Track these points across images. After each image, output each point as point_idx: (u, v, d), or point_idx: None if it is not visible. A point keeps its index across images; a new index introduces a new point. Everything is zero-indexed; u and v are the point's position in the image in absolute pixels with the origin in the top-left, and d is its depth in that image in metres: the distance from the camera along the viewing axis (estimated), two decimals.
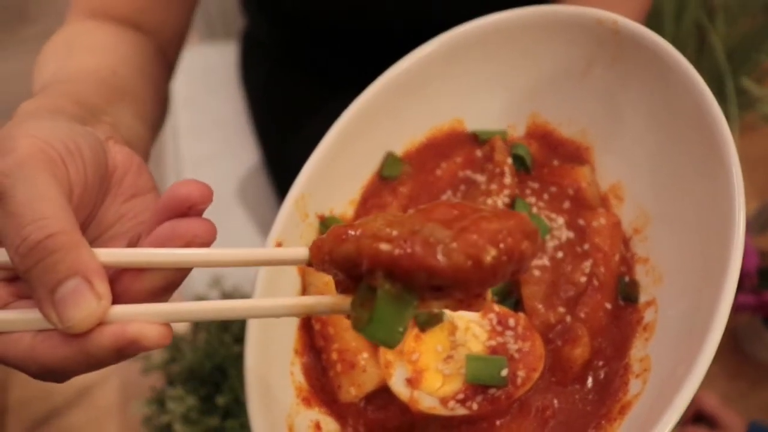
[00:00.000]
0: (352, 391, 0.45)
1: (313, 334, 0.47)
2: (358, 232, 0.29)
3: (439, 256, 0.28)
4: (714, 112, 0.39)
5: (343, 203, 0.49)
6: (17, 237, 0.29)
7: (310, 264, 0.32)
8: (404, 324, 0.29)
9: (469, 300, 0.31)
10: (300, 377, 0.46)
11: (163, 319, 0.31)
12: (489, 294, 0.31)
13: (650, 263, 0.46)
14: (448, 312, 0.44)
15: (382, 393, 0.46)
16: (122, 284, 0.32)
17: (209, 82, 1.10)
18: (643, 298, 0.45)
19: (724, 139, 0.39)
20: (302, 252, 0.32)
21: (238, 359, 0.72)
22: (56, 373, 0.31)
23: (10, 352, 0.31)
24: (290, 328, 0.47)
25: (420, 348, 0.44)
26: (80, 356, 0.30)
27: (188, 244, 0.32)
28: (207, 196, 0.33)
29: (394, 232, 0.29)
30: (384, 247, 0.28)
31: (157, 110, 0.58)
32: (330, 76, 0.86)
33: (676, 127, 0.43)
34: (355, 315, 0.30)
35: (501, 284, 0.45)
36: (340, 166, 0.48)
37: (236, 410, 0.70)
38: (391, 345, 0.29)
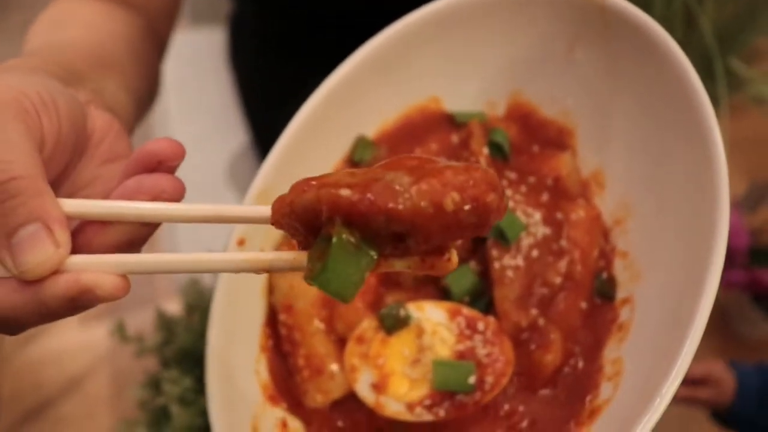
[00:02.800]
0: (318, 398, 0.44)
1: (278, 333, 0.45)
2: (318, 183, 0.28)
3: (399, 199, 0.26)
4: (699, 93, 0.37)
5: None
6: None
7: (273, 223, 0.31)
8: (359, 276, 0.28)
9: (432, 258, 0.29)
10: (265, 375, 0.45)
11: (120, 270, 0.30)
12: (454, 255, 0.29)
13: (629, 258, 0.44)
14: (414, 315, 0.43)
15: (349, 399, 0.44)
16: (85, 236, 0.32)
17: (198, 67, 1.11)
18: (620, 295, 0.44)
19: (708, 120, 0.37)
20: (266, 210, 0.31)
21: None
22: (8, 323, 0.30)
23: None
24: (255, 324, 0.46)
25: (386, 352, 0.43)
26: (33, 305, 0.29)
27: (155, 199, 0.32)
28: (178, 153, 0.33)
29: (355, 181, 0.27)
30: (343, 192, 0.27)
31: (145, 86, 0.57)
32: (316, 56, 0.85)
33: (661, 109, 0.41)
34: (309, 266, 0.28)
35: (471, 284, 0.44)
36: (309, 151, 0.46)
37: None
38: (343, 297, 0.27)
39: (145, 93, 0.60)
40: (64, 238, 0.29)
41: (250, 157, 1.02)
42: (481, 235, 0.30)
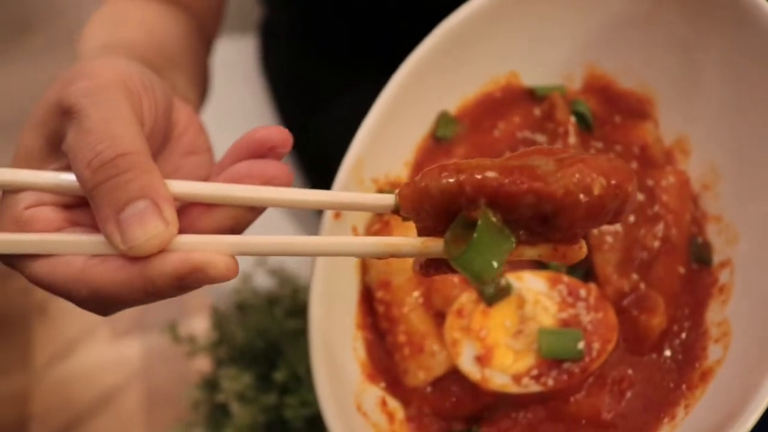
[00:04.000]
0: (420, 375, 0.43)
1: (374, 311, 0.45)
2: (456, 168, 0.28)
3: (549, 179, 0.27)
4: None
5: (397, 166, 0.47)
6: (91, 152, 0.28)
7: (395, 211, 0.30)
8: (500, 259, 0.28)
9: (564, 246, 0.29)
10: (362, 353, 0.44)
11: (231, 251, 0.29)
12: (584, 244, 0.30)
13: (723, 221, 0.44)
14: (515, 284, 0.42)
15: (449, 377, 0.44)
16: (189, 218, 0.32)
17: (229, 75, 1.10)
18: (716, 260, 0.43)
19: None
20: (388, 198, 0.31)
21: (292, 335, 0.71)
22: (107, 300, 0.29)
23: (59, 274, 0.29)
24: (351, 302, 0.45)
25: (488, 324, 0.42)
26: (138, 281, 0.28)
27: (265, 184, 0.32)
28: (287, 140, 0.33)
29: (496, 165, 0.28)
30: (490, 174, 0.27)
31: (203, 83, 0.58)
32: (352, 58, 0.85)
33: (755, 80, 0.41)
34: (446, 249, 0.28)
35: None
36: (394, 127, 0.45)
37: (294, 386, 0.69)
38: (483, 278, 0.27)
39: (203, 90, 0.60)
40: (172, 216, 0.29)
41: (286, 160, 1.02)
42: (615, 223, 0.30)
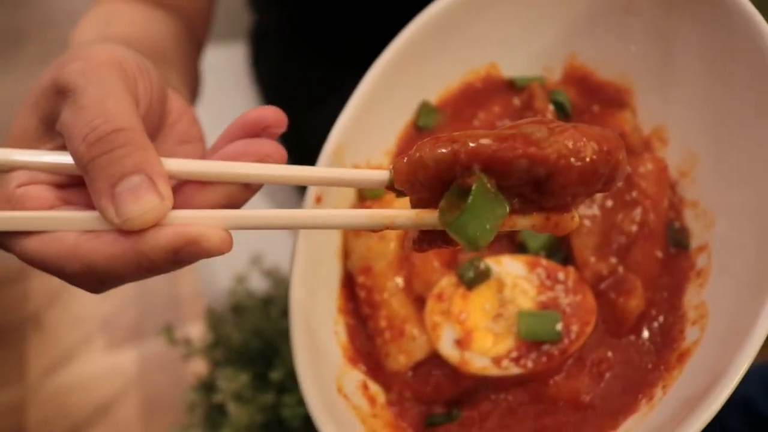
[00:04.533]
0: (401, 359, 0.43)
1: (355, 297, 0.45)
2: (450, 138, 0.29)
3: (542, 144, 0.28)
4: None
5: (378, 154, 0.48)
6: (86, 126, 0.29)
7: (389, 186, 0.31)
8: (494, 223, 0.28)
9: (557, 216, 0.30)
10: (344, 337, 0.45)
11: (225, 225, 0.30)
12: (577, 214, 0.30)
13: (700, 207, 0.44)
14: (495, 268, 0.43)
15: (429, 362, 0.44)
16: (183, 196, 0.32)
17: (219, 81, 1.12)
18: (694, 244, 0.44)
19: None
20: (382, 174, 0.31)
21: (288, 334, 0.71)
22: (100, 275, 0.29)
23: (51, 250, 0.30)
24: (332, 287, 0.46)
25: (467, 308, 0.43)
26: (131, 255, 0.29)
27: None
28: (281, 120, 0.34)
29: (490, 134, 0.28)
30: (484, 140, 0.28)
31: (193, 84, 0.58)
32: (340, 56, 0.86)
33: (729, 64, 0.41)
34: (441, 216, 0.29)
35: (547, 237, 0.44)
36: (375, 115, 0.46)
37: (291, 385, 0.68)
38: (478, 242, 0.28)
39: (194, 90, 0.61)
40: (167, 191, 0.29)
41: None
42: (605, 191, 0.30)
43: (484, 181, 0.28)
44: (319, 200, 0.44)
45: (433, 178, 0.29)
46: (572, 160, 0.28)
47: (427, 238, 0.31)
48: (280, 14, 0.89)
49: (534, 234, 0.44)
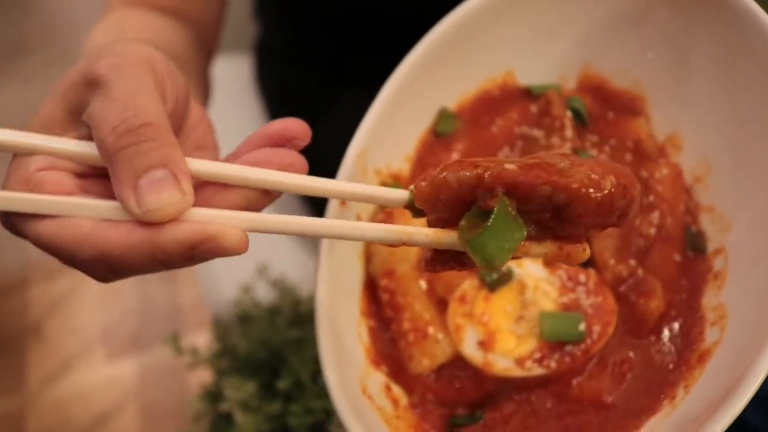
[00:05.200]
0: (424, 362, 0.44)
1: (377, 300, 0.46)
2: (473, 162, 0.30)
3: (565, 173, 0.29)
4: None
5: (398, 159, 0.48)
6: (117, 118, 0.29)
7: (408, 206, 0.32)
8: (511, 245, 0.29)
9: (570, 246, 0.31)
10: (366, 340, 0.45)
11: (244, 226, 0.30)
12: (588, 248, 0.32)
13: (716, 211, 0.45)
14: (516, 271, 0.44)
15: (453, 365, 0.45)
16: (204, 196, 0.32)
17: (225, 93, 1.12)
18: (711, 247, 0.45)
19: None
20: (402, 193, 0.32)
21: (295, 343, 0.71)
22: (112, 263, 0.29)
23: (64, 234, 0.30)
24: (355, 289, 0.46)
25: (490, 309, 0.43)
26: (148, 246, 0.29)
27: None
28: (306, 134, 0.34)
29: (514, 161, 0.30)
30: (509, 166, 0.29)
31: (204, 91, 0.59)
32: (345, 70, 0.87)
33: (742, 71, 0.42)
34: (461, 235, 0.30)
35: None
36: (395, 122, 0.47)
37: (298, 394, 0.69)
38: (495, 262, 0.29)
39: (204, 100, 0.61)
40: (189, 188, 0.30)
41: None
42: (618, 226, 0.32)
43: (506, 202, 0.29)
44: (343, 203, 0.44)
45: (455, 198, 0.30)
46: (592, 190, 0.29)
47: (440, 259, 0.32)
48: (284, 27, 0.90)
49: None
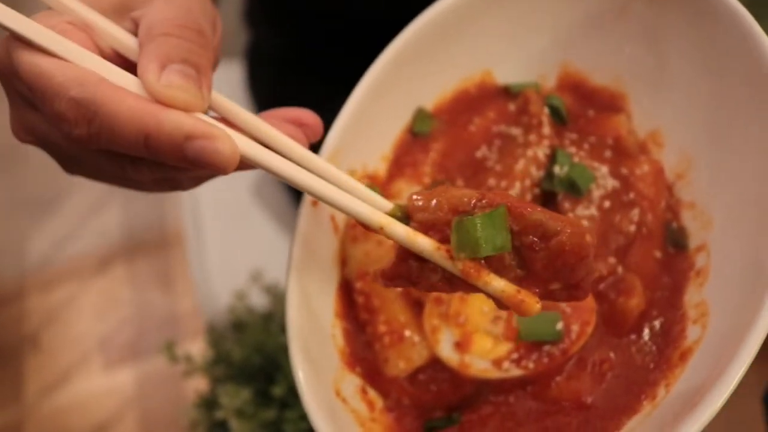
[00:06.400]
0: (400, 364, 0.43)
1: (352, 303, 0.45)
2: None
3: (557, 213, 0.33)
4: (765, 49, 0.38)
5: (374, 159, 0.48)
6: (172, 19, 0.31)
7: (398, 215, 0.34)
8: (499, 244, 0.32)
9: (525, 294, 0.33)
10: (341, 342, 0.44)
11: (242, 147, 0.31)
12: (539, 304, 0.33)
13: (697, 207, 0.44)
14: None
15: (429, 368, 0.44)
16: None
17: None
18: (692, 244, 0.44)
19: None
20: (385, 204, 0.35)
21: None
22: (94, 123, 0.29)
23: (64, 72, 0.29)
24: (329, 291, 0.46)
25: (466, 310, 0.42)
26: (148, 117, 0.28)
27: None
28: (318, 125, 0.37)
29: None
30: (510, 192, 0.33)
31: None
32: (335, 74, 0.86)
33: (722, 68, 0.42)
34: (459, 218, 0.32)
35: None
36: (370, 120, 0.47)
37: (293, 401, 0.68)
38: (479, 244, 0.31)
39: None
40: (208, 97, 0.31)
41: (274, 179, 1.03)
42: (577, 289, 0.34)
43: (503, 211, 0.32)
44: (316, 203, 0.44)
45: (451, 205, 0.32)
46: (585, 237, 0.32)
47: (398, 271, 0.34)
48: (275, 33, 0.90)
49: None
